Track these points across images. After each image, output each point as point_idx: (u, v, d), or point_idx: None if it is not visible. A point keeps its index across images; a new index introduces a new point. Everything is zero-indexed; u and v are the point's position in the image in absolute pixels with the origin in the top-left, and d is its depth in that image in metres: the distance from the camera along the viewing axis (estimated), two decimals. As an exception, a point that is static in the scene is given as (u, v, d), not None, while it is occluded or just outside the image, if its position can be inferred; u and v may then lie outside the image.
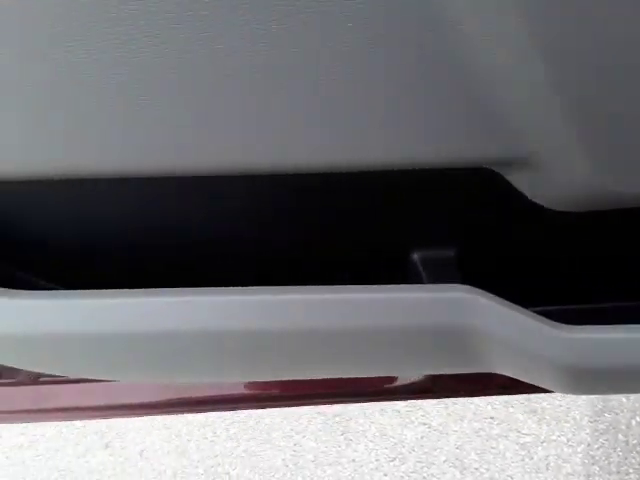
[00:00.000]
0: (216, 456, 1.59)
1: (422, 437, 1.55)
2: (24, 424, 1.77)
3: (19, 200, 0.55)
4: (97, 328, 0.46)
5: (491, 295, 0.48)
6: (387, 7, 0.36)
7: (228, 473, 1.54)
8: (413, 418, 1.61)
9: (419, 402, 1.65)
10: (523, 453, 1.51)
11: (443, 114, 0.39)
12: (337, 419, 1.65)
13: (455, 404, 1.62)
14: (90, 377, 0.62)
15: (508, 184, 0.47)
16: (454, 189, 0.52)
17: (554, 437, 1.53)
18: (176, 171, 0.45)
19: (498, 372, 0.56)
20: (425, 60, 0.37)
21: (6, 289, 0.46)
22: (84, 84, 0.40)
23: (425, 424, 1.59)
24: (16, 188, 0.51)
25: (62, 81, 0.40)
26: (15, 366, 0.55)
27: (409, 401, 1.66)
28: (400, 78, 0.38)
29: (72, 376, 0.59)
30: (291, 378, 0.57)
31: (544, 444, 1.52)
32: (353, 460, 1.53)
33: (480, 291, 0.48)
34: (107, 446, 1.65)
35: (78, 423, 1.72)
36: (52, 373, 0.56)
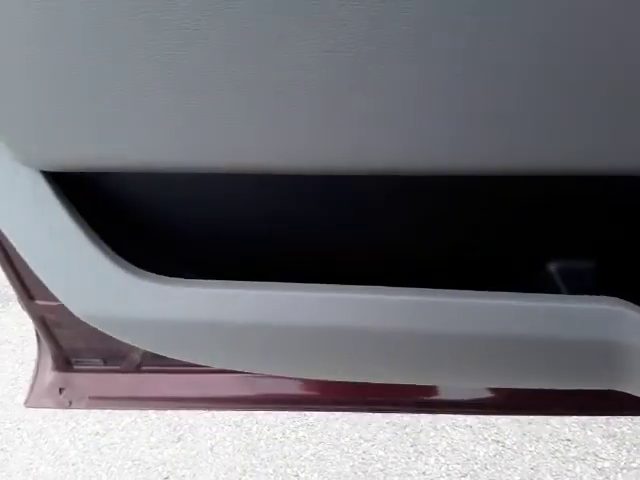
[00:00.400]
0: (285, 457, 1.60)
1: (495, 455, 1.53)
2: (100, 411, 1.83)
3: (150, 192, 0.58)
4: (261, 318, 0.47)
5: (641, 308, 0.47)
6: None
7: (297, 475, 1.55)
8: (486, 435, 1.58)
9: (492, 419, 1.62)
10: (601, 478, 1.46)
11: (621, 118, 0.39)
12: (407, 430, 1.64)
13: (530, 424, 1.58)
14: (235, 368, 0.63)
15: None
16: (601, 198, 0.51)
17: (635, 464, 1.47)
18: (286, 170, 0.46)
19: (629, 391, 0.54)
20: (605, 70, 0.37)
21: (161, 276, 0.48)
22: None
23: (498, 442, 1.56)
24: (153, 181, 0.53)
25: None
26: (155, 351, 0.57)
27: (481, 418, 1.63)
28: (586, 86, 0.38)
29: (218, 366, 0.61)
30: (412, 383, 0.58)
31: (624, 471, 1.46)
32: (423, 473, 1.52)
33: (629, 304, 0.47)
34: (179, 439, 1.69)
35: (153, 414, 1.77)
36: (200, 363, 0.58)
